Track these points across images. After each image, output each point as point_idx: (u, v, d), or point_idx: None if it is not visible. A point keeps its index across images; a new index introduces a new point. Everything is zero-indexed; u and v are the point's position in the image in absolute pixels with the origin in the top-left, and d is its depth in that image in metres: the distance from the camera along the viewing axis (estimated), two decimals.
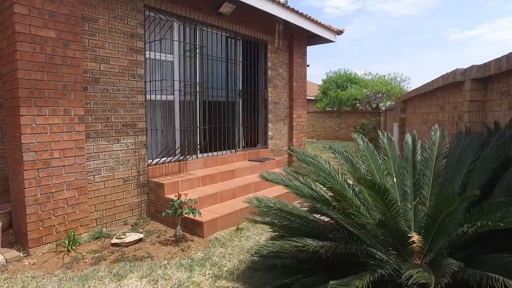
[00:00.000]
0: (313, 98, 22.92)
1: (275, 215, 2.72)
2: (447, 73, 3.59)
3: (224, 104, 6.32)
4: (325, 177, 2.55)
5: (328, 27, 7.89)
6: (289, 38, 7.68)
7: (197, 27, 5.45)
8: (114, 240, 3.87)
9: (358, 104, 19.55)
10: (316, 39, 8.38)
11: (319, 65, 75.69)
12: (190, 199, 4.06)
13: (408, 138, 3.28)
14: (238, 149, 6.65)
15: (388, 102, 17.83)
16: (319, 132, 20.33)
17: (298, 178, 2.94)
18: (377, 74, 20.05)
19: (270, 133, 7.41)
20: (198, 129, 5.40)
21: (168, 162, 5.11)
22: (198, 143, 5.49)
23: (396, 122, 7.90)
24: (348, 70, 20.69)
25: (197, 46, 5.33)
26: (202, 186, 5.19)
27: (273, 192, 5.58)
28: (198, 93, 5.39)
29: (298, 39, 7.90)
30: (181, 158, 5.28)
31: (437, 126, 3.19)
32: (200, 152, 5.81)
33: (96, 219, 4.28)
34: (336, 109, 19.19)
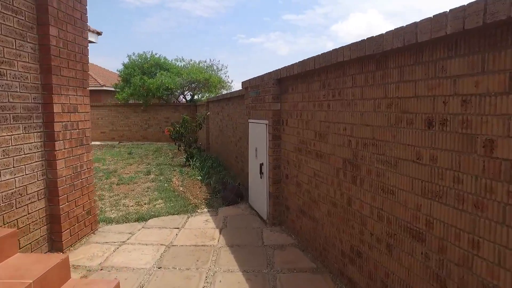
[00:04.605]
0: (112, 88, 17.57)
1: None
2: None
3: None
4: None
5: None
6: None
7: None
8: None
9: (170, 96, 15.79)
10: None
11: (118, 56, 66.60)
12: None
13: None
14: None
15: (207, 94, 14.92)
16: (122, 131, 15.42)
17: None
18: (191, 60, 16.80)
19: None
20: None
21: None
22: None
23: (259, 118, 4.63)
24: (156, 54, 16.54)
25: None
26: None
27: None
28: None
29: None
30: None
31: None
32: None
33: None
34: (143, 101, 14.82)
